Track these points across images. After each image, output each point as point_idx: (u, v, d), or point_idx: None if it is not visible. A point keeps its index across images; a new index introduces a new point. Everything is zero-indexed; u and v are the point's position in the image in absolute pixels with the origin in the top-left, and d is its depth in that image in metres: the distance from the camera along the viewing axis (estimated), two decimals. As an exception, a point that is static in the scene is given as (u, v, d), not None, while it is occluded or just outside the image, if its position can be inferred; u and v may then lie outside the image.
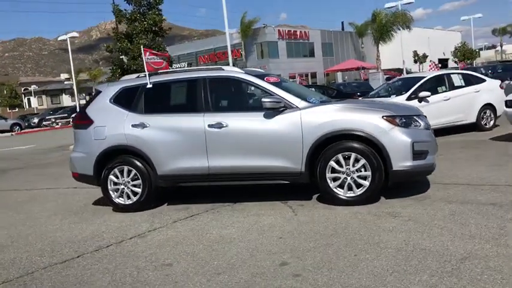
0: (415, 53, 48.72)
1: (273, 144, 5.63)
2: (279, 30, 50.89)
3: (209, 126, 5.82)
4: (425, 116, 5.89)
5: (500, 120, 11.72)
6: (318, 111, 5.61)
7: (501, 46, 63.97)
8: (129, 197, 6.25)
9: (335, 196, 5.49)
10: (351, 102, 6.36)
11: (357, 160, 5.39)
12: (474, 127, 11.22)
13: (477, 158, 7.75)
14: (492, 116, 11.45)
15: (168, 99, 6.54)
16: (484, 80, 11.72)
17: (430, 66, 17.20)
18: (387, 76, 38.33)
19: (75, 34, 41.53)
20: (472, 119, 11.15)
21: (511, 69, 22.31)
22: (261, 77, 6.07)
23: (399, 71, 47.24)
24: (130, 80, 6.70)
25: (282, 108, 5.63)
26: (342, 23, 58.79)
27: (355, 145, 5.38)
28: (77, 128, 6.62)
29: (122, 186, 6.25)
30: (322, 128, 5.45)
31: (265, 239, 4.54)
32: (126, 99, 6.39)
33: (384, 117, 5.39)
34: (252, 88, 6.17)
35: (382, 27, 31.60)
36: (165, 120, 6.09)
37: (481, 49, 67.25)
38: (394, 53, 48.51)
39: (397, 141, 5.30)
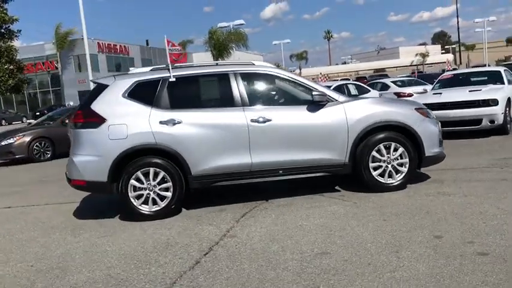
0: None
1: (320, 137, 5.75)
2: (98, 43, 48.43)
3: (252, 120, 5.63)
4: None
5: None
6: (360, 104, 5.96)
7: (300, 69, 72.74)
8: (154, 203, 5.57)
9: (378, 183, 5.85)
10: (378, 98, 6.86)
11: (395, 149, 5.88)
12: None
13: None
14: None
15: (197, 94, 6.07)
16: (369, 90, 13.54)
17: (320, 78, 18.95)
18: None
19: None
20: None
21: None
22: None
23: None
24: (143, 73, 5.97)
25: (324, 102, 5.81)
26: (147, 41, 59.16)
27: (395, 135, 5.88)
28: (82, 127, 5.60)
29: (147, 192, 5.54)
30: (366, 120, 5.79)
31: (372, 223, 4.66)
32: (144, 94, 5.71)
33: (416, 109, 6.04)
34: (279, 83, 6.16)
35: (220, 45, 32.96)
36: (199, 116, 5.64)
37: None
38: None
39: (428, 130, 5.98)
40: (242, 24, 33.96)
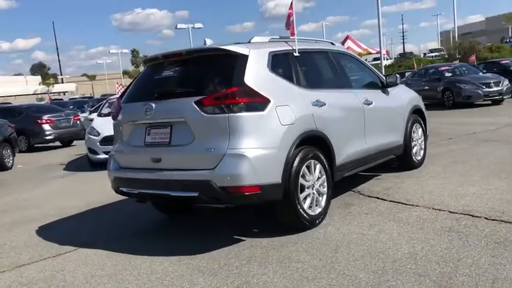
0: None
1: (395, 119, 5.98)
2: None
3: (363, 103, 5.33)
4: None
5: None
6: (402, 90, 6.45)
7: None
8: (317, 203, 4.46)
9: (415, 161, 6.48)
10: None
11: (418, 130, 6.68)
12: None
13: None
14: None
15: (320, 72, 5.11)
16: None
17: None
18: None
19: None
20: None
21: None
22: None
23: None
24: (266, 43, 4.57)
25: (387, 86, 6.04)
26: None
27: (418, 117, 6.67)
28: (245, 110, 3.88)
29: (311, 190, 4.39)
30: (410, 104, 6.38)
31: (500, 181, 5.39)
32: (283, 69, 4.53)
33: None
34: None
35: None
36: (336, 96, 4.93)
37: None
38: None
39: (425, 112, 7.05)
40: None
